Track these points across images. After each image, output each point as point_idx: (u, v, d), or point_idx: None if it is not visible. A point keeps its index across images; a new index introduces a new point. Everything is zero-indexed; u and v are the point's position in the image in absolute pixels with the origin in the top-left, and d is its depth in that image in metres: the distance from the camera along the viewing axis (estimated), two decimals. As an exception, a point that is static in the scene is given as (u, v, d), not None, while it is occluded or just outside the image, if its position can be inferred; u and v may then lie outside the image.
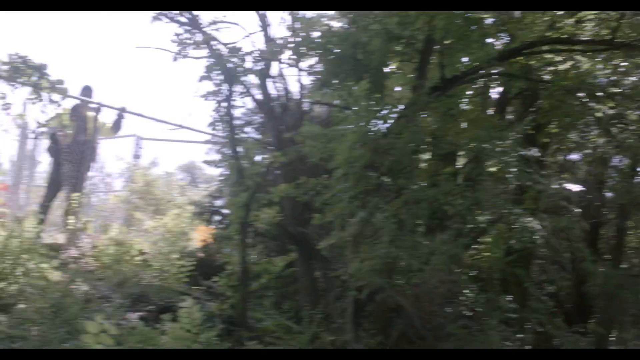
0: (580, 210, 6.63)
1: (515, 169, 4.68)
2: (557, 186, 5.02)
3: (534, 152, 5.21)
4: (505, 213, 5.25)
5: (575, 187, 5.26)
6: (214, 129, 5.41)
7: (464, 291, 5.19)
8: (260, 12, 4.86)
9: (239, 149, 5.04)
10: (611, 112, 5.97)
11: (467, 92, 5.31)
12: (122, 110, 8.44)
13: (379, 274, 4.60)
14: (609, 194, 6.85)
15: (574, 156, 7.14)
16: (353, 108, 4.50)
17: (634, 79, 6.55)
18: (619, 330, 6.20)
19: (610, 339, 6.03)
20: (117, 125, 8.53)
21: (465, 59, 5.24)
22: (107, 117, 8.59)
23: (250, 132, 6.98)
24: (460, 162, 5.35)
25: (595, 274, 5.74)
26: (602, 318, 6.04)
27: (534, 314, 5.53)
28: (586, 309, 6.34)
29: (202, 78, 5.01)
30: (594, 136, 6.36)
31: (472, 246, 5.41)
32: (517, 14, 5.91)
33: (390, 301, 4.62)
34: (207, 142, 9.71)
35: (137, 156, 11.99)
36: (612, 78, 6.27)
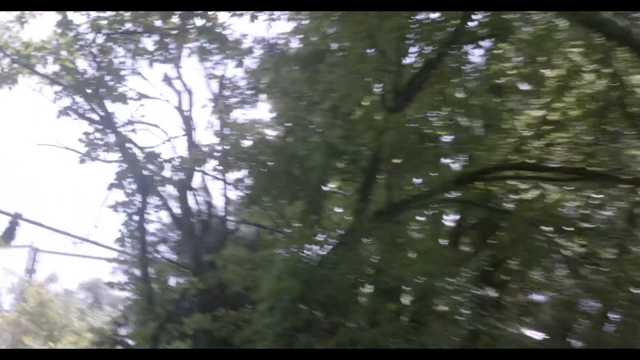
0: None
1: (468, 311, 6.23)
2: (515, 332, 6.62)
3: (491, 291, 6.87)
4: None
5: (536, 334, 6.86)
6: (122, 246, 6.52)
7: None
8: (186, 113, 6.30)
9: (150, 270, 6.16)
10: (581, 250, 7.92)
11: (418, 219, 6.97)
12: (16, 217, 9.68)
13: None
14: (576, 343, 8.54)
15: (538, 298, 8.87)
16: (285, 231, 5.98)
17: (608, 213, 8.71)
18: None
19: None
20: (9, 234, 9.72)
21: (417, 181, 6.98)
22: (-3, 224, 9.83)
23: (165, 252, 8.08)
24: (406, 300, 6.83)
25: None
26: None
27: None
28: None
29: (112, 185, 6.17)
30: (560, 276, 8.18)
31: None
32: (478, 132, 7.88)
33: None
34: (113, 259, 10.73)
35: (31, 271, 12.80)
36: (584, 212, 8.33)
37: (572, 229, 7.65)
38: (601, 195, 8.03)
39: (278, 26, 7.26)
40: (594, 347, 8.05)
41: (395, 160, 6.51)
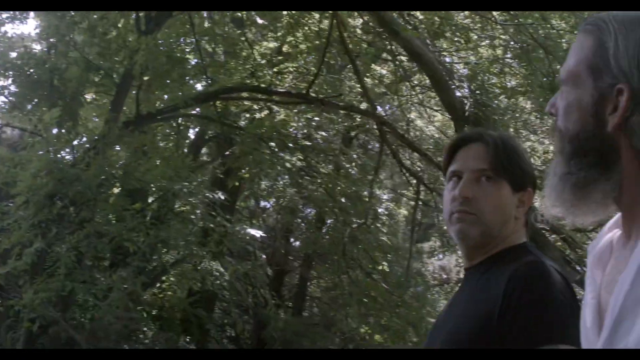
0: (266, 256, 10.65)
1: (200, 211, 8.06)
2: (240, 230, 8.64)
3: (222, 195, 8.77)
4: (190, 254, 8.62)
5: (258, 233, 8.97)
6: None
7: (143, 329, 8.25)
8: None
9: None
10: (301, 164, 10.21)
11: (164, 131, 8.55)
12: None
13: (53, 307, 7.25)
14: (295, 243, 11.10)
15: (264, 203, 11.20)
16: (43, 135, 7.20)
17: (324, 133, 11.19)
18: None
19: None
20: None
21: (164, 97, 8.52)
22: None
23: None
24: (150, 200, 8.45)
25: (276, 320, 9.71)
26: (279, 365, 9.92)
27: (211, 357, 8.93)
28: (264, 355, 10.20)
29: None
30: (284, 185, 10.46)
31: (155, 285, 8.51)
32: (221, 58, 9.64)
33: (63, 335, 7.30)
34: None
35: None
36: (304, 131, 10.64)
37: (294, 145, 9.82)
38: (318, 118, 10.27)
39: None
40: (308, 251, 10.57)
41: (145, 78, 7.96)
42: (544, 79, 7.93)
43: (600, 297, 1.22)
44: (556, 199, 1.23)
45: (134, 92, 8.04)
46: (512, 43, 9.58)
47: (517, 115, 10.84)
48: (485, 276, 1.81)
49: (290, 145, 9.74)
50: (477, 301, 1.76)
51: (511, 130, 9.53)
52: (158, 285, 8.83)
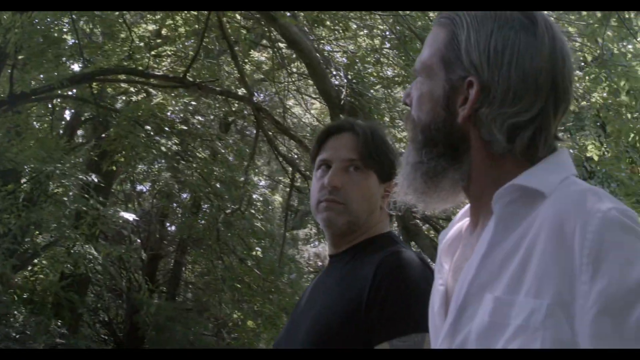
0: (140, 241, 11.28)
1: (72, 193, 8.57)
2: (114, 214, 9.19)
3: (96, 178, 9.28)
4: (63, 237, 9.10)
5: (132, 217, 9.56)
6: None
7: (13, 313, 8.67)
8: None
9: None
10: (176, 147, 10.86)
11: (38, 111, 8.96)
12: None
13: None
14: (171, 228, 11.78)
15: (141, 187, 11.80)
16: None
17: (201, 118, 11.89)
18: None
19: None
20: None
21: (39, 77, 8.93)
22: None
23: None
24: (23, 182, 8.86)
25: (149, 304, 10.36)
26: (152, 348, 10.64)
27: (84, 340, 9.54)
28: (137, 339, 10.89)
29: None
30: (159, 169, 11.09)
31: (26, 268, 8.93)
32: (99, 39, 10.11)
33: None
34: None
35: None
36: (181, 115, 11.29)
37: (171, 129, 10.45)
38: (195, 103, 10.90)
39: None
40: (183, 236, 11.24)
41: (20, 57, 8.37)
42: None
43: (447, 283, 1.31)
44: (408, 187, 1.32)
45: (8, 70, 8.41)
46: (389, 34, 10.36)
47: (393, 105, 11.65)
48: (350, 264, 1.91)
49: (167, 129, 10.31)
50: (343, 290, 1.83)
51: (387, 119, 10.06)
52: (29, 268, 9.24)
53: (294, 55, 10.93)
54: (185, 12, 10.23)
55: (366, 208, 1.97)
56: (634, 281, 1.00)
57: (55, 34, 8.84)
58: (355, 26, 10.75)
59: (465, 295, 1.19)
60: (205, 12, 9.59)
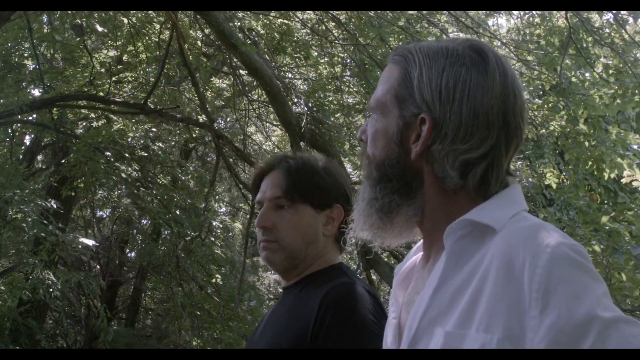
0: (100, 267, 11.24)
1: (31, 219, 8.52)
2: (71, 239, 9.15)
3: (55, 204, 9.26)
4: (21, 262, 9.04)
5: (91, 242, 9.52)
6: None
7: (-34, 340, 8.54)
8: None
9: None
10: (136, 174, 10.89)
11: (0, 136, 8.94)
12: None
13: None
14: (131, 254, 11.76)
15: (101, 213, 11.80)
16: None
17: (162, 145, 11.96)
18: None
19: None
20: None
21: (0, 102, 8.92)
22: None
23: None
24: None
25: (107, 331, 10.26)
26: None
27: (40, 369, 9.36)
28: (94, 368, 10.74)
29: None
30: (119, 196, 11.12)
31: (-18, 294, 8.82)
32: (59, 64, 10.15)
33: None
34: None
35: None
36: (142, 142, 11.34)
37: (131, 155, 10.48)
38: (155, 130, 10.97)
39: None
40: (143, 262, 11.29)
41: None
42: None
43: (400, 317, 1.33)
44: (364, 223, 1.34)
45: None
46: (349, 61, 10.57)
47: (353, 132, 11.81)
48: (299, 296, 1.94)
49: (128, 155, 10.34)
50: (291, 320, 1.86)
51: (347, 147, 10.34)
52: (-14, 294, 9.15)
53: (255, 83, 11.12)
54: (147, 39, 10.36)
55: (301, 241, 2.00)
56: (582, 316, 1.01)
57: (16, 59, 8.86)
58: (316, 54, 10.91)
59: (416, 329, 1.20)
60: (166, 39, 9.72)
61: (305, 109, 9.86)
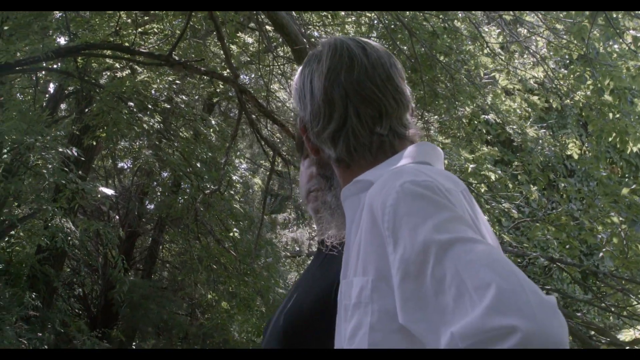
0: (118, 217, 11.43)
1: (52, 166, 8.67)
2: (91, 188, 9.31)
3: (76, 152, 9.39)
4: (40, 209, 9.22)
5: (111, 192, 9.70)
6: None
7: (-13, 283, 8.81)
8: None
9: None
10: (159, 125, 10.99)
11: (22, 82, 9.06)
12: None
13: None
14: (150, 206, 11.93)
15: (122, 164, 11.95)
16: None
17: (185, 98, 12.02)
18: (141, 339, 11.23)
19: (131, 346, 10.91)
20: None
21: (24, 49, 9.00)
22: None
23: None
24: (4, 152, 8.96)
25: (123, 282, 10.49)
26: (126, 325, 10.85)
27: (58, 314, 9.69)
28: (112, 315, 11.09)
29: None
30: (141, 146, 11.24)
31: (2, 239, 9.06)
32: (86, 14, 10.19)
33: None
34: None
35: None
36: (165, 94, 11.42)
37: (152, 107, 10.57)
38: (179, 82, 11.02)
39: None
40: (162, 215, 11.44)
41: (5, 27, 8.46)
42: (407, 60, 8.53)
43: None
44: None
45: (-8, 41, 8.49)
46: (376, 22, 10.50)
47: None
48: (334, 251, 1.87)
49: (150, 107, 10.44)
50: (321, 273, 1.84)
51: None
52: (6, 239, 9.35)
53: (281, 39, 11.08)
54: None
55: (303, 191, 2.00)
56: (420, 243, 1.08)
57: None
58: (343, 13, 10.84)
59: (335, 285, 1.39)
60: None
61: None
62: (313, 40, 10.68)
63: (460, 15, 9.09)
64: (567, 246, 7.63)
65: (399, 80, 1.48)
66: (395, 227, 1.13)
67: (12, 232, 9.42)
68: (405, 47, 8.69)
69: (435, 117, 9.60)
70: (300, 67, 1.53)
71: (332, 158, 1.45)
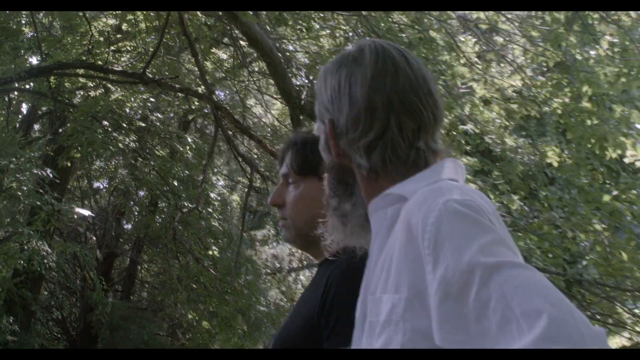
0: (96, 238, 11.32)
1: (27, 188, 8.56)
2: (67, 209, 9.22)
3: (51, 173, 9.28)
4: (16, 232, 9.08)
5: (87, 213, 9.60)
6: None
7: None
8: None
9: None
10: (134, 144, 10.91)
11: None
12: None
13: None
14: (127, 226, 11.84)
15: (98, 184, 11.86)
16: None
17: (160, 115, 11.96)
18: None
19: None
20: None
21: (-4, 69, 8.91)
22: None
23: None
24: (-24, 175, 8.83)
25: (105, 303, 10.39)
26: (106, 347, 10.71)
27: (37, 338, 9.54)
28: (91, 337, 10.93)
29: None
30: (117, 166, 11.17)
31: (-22, 263, 8.90)
32: (58, 32, 10.12)
33: None
34: None
35: None
36: (140, 112, 11.35)
37: (129, 126, 10.48)
38: (154, 100, 10.95)
39: None
40: (139, 234, 11.35)
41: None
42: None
43: None
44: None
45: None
46: (351, 35, 10.50)
47: None
48: (318, 274, 1.91)
49: (125, 125, 10.34)
50: (309, 296, 1.85)
51: None
52: (-19, 263, 9.22)
53: (256, 54, 11.04)
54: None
55: (308, 216, 1.94)
56: (465, 264, 1.06)
57: (14, 26, 8.83)
58: (317, 26, 10.82)
59: (362, 302, 1.34)
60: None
61: (306, 81, 9.82)
62: (288, 54, 10.65)
63: (435, 25, 9.13)
64: (550, 255, 7.66)
65: (438, 94, 1.46)
66: (437, 246, 1.11)
67: (-13, 257, 9.27)
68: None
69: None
70: (331, 66, 1.48)
71: (363, 167, 1.41)
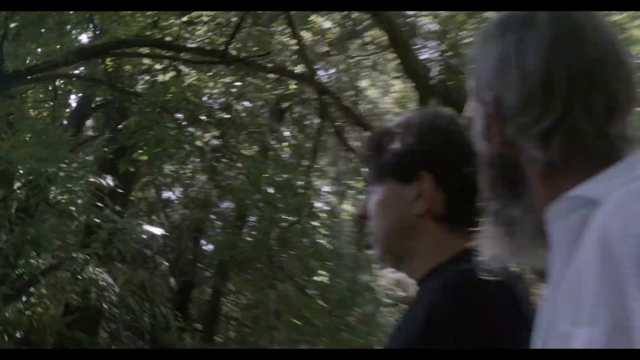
0: (168, 263, 11.03)
1: (81, 201, 8.32)
2: (132, 227, 8.90)
3: (112, 182, 9.03)
4: (68, 258, 8.90)
5: (159, 231, 9.31)
6: None
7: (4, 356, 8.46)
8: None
9: None
10: (216, 142, 10.57)
11: (36, 95, 8.73)
12: None
13: None
14: (208, 247, 11.50)
15: (169, 194, 11.59)
16: None
17: (247, 103, 11.60)
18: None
19: None
20: None
21: (37, 51, 8.73)
22: None
23: None
24: (17, 186, 8.66)
25: (180, 346, 10.08)
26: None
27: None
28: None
29: None
30: (193, 170, 10.84)
31: (20, 298, 8.72)
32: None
33: None
34: None
35: None
36: (222, 100, 11.03)
37: (209, 118, 10.19)
38: (240, 83, 10.66)
39: None
40: (224, 258, 11.05)
41: (12, 24, 8.18)
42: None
43: None
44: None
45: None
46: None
47: None
48: (421, 292, 1.90)
49: (204, 118, 10.11)
50: (406, 321, 1.87)
51: None
52: (25, 299, 9.15)
53: (370, 21, 10.68)
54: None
55: (386, 225, 1.94)
56: None
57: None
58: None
59: (540, 338, 1.28)
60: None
61: (436, 54, 9.49)
62: (411, 19, 10.19)
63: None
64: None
65: (631, 67, 1.34)
66: None
67: (32, 290, 9.21)
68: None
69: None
70: (493, 29, 1.40)
71: (537, 161, 1.32)
